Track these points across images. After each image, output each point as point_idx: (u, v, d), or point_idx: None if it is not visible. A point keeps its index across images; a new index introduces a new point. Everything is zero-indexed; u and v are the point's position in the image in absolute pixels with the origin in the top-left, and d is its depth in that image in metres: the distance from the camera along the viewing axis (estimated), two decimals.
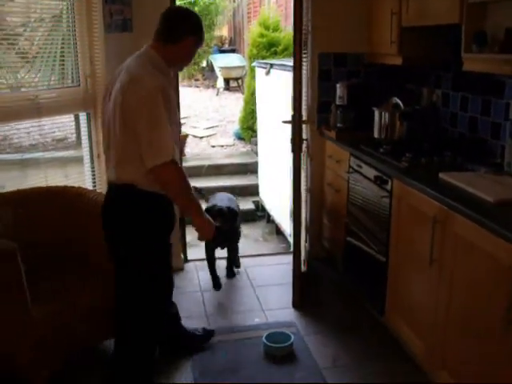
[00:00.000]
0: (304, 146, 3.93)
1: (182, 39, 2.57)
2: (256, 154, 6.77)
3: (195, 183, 6.25)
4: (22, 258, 2.60)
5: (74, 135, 4.38)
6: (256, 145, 6.69)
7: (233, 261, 4.29)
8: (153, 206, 2.58)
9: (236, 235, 4.31)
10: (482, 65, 2.80)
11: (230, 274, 4.24)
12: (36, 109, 3.57)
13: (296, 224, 3.72)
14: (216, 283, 4.05)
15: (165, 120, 2.39)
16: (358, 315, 3.64)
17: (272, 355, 3.16)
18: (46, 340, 2.71)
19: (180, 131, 2.84)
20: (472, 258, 2.38)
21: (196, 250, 4.60)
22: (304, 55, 4.06)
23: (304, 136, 3.89)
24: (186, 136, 7.65)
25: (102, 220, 2.68)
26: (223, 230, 3.76)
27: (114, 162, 2.56)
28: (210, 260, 4.12)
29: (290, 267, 3.78)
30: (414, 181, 2.85)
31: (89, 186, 3.93)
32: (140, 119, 2.38)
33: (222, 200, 4.25)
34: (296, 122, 3.53)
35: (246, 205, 6.13)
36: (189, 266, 4.41)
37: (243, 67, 11.63)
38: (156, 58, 2.54)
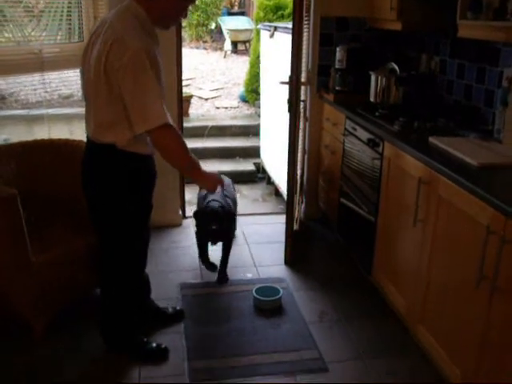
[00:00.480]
0: (301, 107, 3.99)
1: None
2: (259, 116, 6.83)
3: (198, 143, 6.37)
4: (24, 207, 2.71)
5: (81, 92, 4.45)
6: (259, 108, 6.74)
7: (225, 262, 3.71)
8: (133, 166, 2.53)
9: (230, 232, 3.83)
10: (477, 31, 2.84)
11: (223, 279, 3.64)
12: (40, 63, 3.64)
13: (290, 183, 3.81)
14: (209, 266, 3.76)
15: (153, 83, 2.28)
16: (347, 273, 3.76)
17: (261, 308, 3.29)
18: (46, 287, 2.85)
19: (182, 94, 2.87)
20: (453, 219, 2.47)
21: (194, 207, 4.71)
22: (306, 19, 4.10)
23: (302, 98, 3.94)
24: (190, 97, 7.71)
25: (82, 178, 2.63)
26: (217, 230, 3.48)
27: (95, 122, 2.47)
28: (202, 252, 3.77)
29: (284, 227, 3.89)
30: (404, 144, 2.92)
31: None
32: (126, 83, 2.28)
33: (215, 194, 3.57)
34: (293, 83, 3.58)
35: (246, 166, 6.30)
36: (187, 221, 4.53)
37: (251, 30, 11.59)
38: (140, 14, 2.37)
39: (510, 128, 2.85)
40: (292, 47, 3.57)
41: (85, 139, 2.65)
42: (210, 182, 2.66)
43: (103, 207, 2.61)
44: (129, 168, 2.52)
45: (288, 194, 3.85)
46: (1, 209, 2.61)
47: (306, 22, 4.08)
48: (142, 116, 2.32)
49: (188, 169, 2.56)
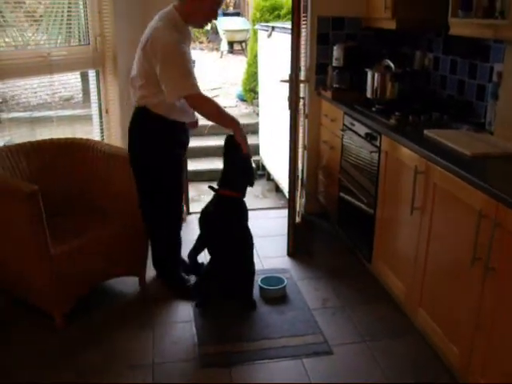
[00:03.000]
0: (301, 104, 4.14)
1: None
2: (257, 115, 6.96)
3: (197, 142, 6.49)
4: None
5: (81, 94, 4.57)
6: (258, 106, 6.88)
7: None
8: (162, 125, 3.14)
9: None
10: (467, 29, 2.99)
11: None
12: (48, 66, 3.77)
13: (291, 178, 3.96)
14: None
15: (180, 64, 2.94)
16: (348, 263, 3.92)
17: (266, 297, 3.44)
18: (64, 277, 3.00)
19: None
20: (448, 205, 2.63)
21: (197, 204, 4.87)
22: (304, 19, 4.25)
23: (301, 95, 4.09)
24: None
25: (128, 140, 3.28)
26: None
27: (139, 93, 3.12)
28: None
29: (286, 220, 4.03)
30: (400, 137, 3.08)
31: (97, 139, 4.16)
32: (159, 67, 2.93)
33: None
34: (293, 80, 3.73)
35: None
36: (191, 217, 4.67)
37: (247, 30, 11.73)
38: (175, 17, 3.03)
39: (500, 120, 3.01)
40: (291, 46, 3.72)
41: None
42: (238, 132, 3.15)
43: (144, 158, 3.21)
44: (159, 126, 3.15)
45: (289, 188, 3.99)
46: (24, 203, 2.76)
47: (303, 22, 4.23)
48: (172, 88, 2.96)
49: (224, 124, 3.18)
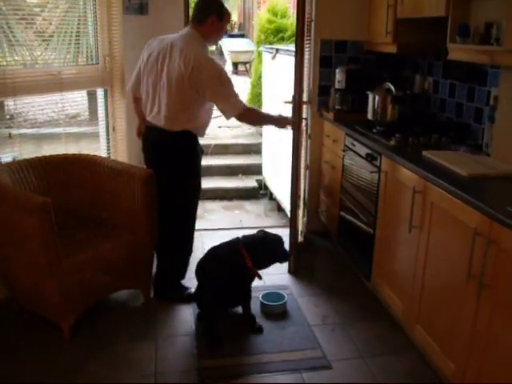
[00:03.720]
0: (303, 125, 4.24)
1: (206, 19, 3.35)
2: (260, 135, 7.07)
3: (202, 161, 6.58)
4: None
5: (87, 112, 4.67)
6: (261, 126, 6.98)
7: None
8: (193, 145, 3.51)
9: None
10: (464, 54, 3.09)
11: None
12: (58, 84, 3.88)
13: (293, 197, 4.04)
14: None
15: (227, 84, 3.32)
16: (347, 281, 3.99)
17: (267, 312, 3.50)
18: (73, 289, 3.08)
19: None
20: (444, 224, 2.70)
21: (201, 221, 4.95)
22: (307, 42, 4.37)
23: (304, 116, 4.19)
24: None
25: (152, 156, 3.57)
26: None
27: (167, 116, 3.35)
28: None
29: (288, 239, 4.09)
30: (399, 157, 3.16)
31: (104, 156, 4.26)
32: (208, 91, 3.28)
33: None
34: (296, 102, 3.83)
35: (249, 183, 6.53)
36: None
37: (251, 52, 11.89)
38: (199, 38, 3.36)
39: (497, 142, 3.10)
40: (295, 69, 3.83)
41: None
42: (284, 124, 3.73)
43: (174, 177, 3.48)
44: (193, 147, 3.52)
45: (291, 206, 4.07)
46: (36, 215, 2.84)
47: (307, 45, 4.34)
48: (229, 106, 3.34)
49: (269, 123, 3.83)
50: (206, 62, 3.26)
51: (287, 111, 3.95)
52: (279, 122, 3.69)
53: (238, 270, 3.24)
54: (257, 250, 3.26)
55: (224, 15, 3.42)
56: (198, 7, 3.41)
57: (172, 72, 3.27)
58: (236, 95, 3.35)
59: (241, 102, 3.38)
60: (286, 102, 4.07)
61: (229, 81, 3.34)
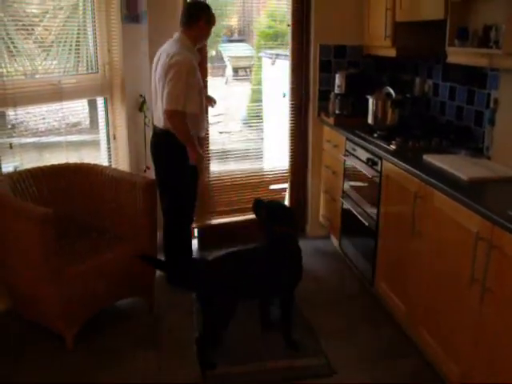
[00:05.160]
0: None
1: (195, 23, 3.57)
2: (262, 140, 7.05)
3: None
4: None
5: (88, 121, 4.67)
6: (262, 131, 6.97)
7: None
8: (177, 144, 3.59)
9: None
10: (463, 57, 3.09)
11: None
12: (58, 93, 3.88)
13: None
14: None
15: (183, 82, 3.41)
16: (350, 286, 3.99)
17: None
18: (74, 298, 3.08)
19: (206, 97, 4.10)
20: (446, 228, 2.70)
21: None
22: (306, 47, 4.38)
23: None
24: None
25: (153, 156, 3.87)
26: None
27: (160, 115, 3.61)
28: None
29: None
30: (400, 161, 3.16)
31: (105, 164, 4.26)
32: (167, 78, 3.42)
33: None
34: (296, 107, 3.83)
35: None
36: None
37: (252, 57, 11.87)
38: (185, 40, 3.58)
39: (497, 145, 3.10)
40: (290, 73, 3.83)
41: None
42: (195, 158, 3.65)
43: (167, 172, 3.76)
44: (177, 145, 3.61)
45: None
46: (37, 227, 2.84)
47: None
48: (165, 99, 3.45)
49: (186, 143, 3.59)
50: (177, 57, 3.45)
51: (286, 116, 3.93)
52: (191, 148, 3.60)
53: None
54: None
55: (212, 19, 3.66)
56: (188, 12, 3.63)
57: (160, 74, 3.53)
58: (175, 94, 3.42)
59: (175, 103, 3.43)
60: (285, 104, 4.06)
61: (180, 78, 3.42)
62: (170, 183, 3.78)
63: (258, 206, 3.29)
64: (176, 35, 3.63)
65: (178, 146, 3.60)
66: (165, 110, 3.47)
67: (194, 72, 3.53)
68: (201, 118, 3.77)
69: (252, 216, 3.40)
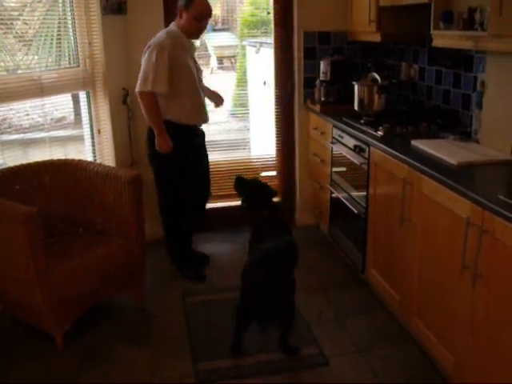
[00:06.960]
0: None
1: (179, 13, 3.52)
2: (248, 130, 7.00)
3: None
4: None
5: (73, 116, 4.60)
6: (249, 121, 6.92)
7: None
8: (174, 131, 3.56)
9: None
10: (449, 40, 3.04)
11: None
12: (39, 89, 3.80)
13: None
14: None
15: (151, 63, 3.37)
16: (342, 274, 3.96)
17: None
18: (63, 298, 3.02)
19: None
20: (436, 215, 2.67)
21: None
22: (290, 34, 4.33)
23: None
24: None
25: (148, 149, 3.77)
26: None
27: None
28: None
29: None
30: (388, 148, 3.13)
31: (90, 159, 4.20)
32: (143, 59, 3.45)
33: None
34: (281, 95, 3.79)
35: None
36: None
37: (236, 46, 11.79)
38: (173, 31, 3.54)
39: (485, 129, 3.07)
40: (275, 62, 3.78)
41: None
42: (163, 145, 3.55)
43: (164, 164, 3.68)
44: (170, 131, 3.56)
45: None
46: (22, 226, 2.77)
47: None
48: (138, 79, 3.45)
49: (153, 126, 3.53)
50: (152, 41, 3.47)
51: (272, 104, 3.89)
52: (159, 135, 3.53)
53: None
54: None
55: (190, 5, 3.47)
56: (177, 2, 3.56)
57: None
58: (148, 75, 3.40)
59: (146, 85, 3.41)
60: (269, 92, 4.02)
61: (152, 60, 3.39)
62: (169, 174, 3.72)
63: (239, 184, 3.43)
64: (170, 26, 3.63)
65: (173, 137, 3.55)
66: (138, 95, 3.48)
67: (162, 51, 3.40)
68: (193, 104, 3.65)
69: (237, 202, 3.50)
